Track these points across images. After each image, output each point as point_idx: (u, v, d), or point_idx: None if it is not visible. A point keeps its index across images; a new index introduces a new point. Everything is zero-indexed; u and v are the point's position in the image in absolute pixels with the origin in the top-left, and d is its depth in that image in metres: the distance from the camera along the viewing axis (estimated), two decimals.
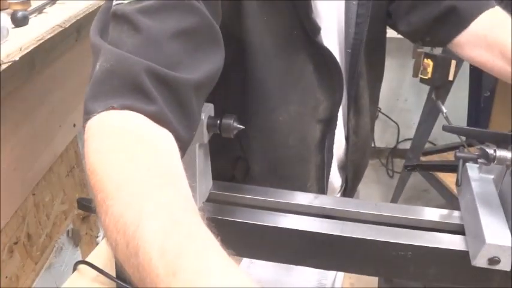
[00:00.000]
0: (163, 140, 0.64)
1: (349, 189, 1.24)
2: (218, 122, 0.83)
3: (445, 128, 0.93)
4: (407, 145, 3.35)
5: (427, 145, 3.15)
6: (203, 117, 0.81)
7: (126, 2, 0.72)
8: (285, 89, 1.02)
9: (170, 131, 0.65)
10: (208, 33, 0.76)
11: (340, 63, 1.04)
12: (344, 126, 1.14)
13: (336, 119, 1.09)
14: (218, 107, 0.89)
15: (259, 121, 1.03)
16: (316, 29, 0.97)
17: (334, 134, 1.10)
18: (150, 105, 0.64)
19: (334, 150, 1.13)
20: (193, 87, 0.70)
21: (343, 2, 1.04)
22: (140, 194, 0.54)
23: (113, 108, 0.63)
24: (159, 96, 0.65)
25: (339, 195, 1.23)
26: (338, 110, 1.08)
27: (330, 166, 1.13)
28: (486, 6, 1.05)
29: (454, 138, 2.90)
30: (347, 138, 1.15)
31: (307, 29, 0.97)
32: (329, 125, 1.08)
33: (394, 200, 3.04)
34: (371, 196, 3.33)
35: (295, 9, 0.95)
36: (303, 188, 1.09)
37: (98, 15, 0.77)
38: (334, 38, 1.05)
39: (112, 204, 0.54)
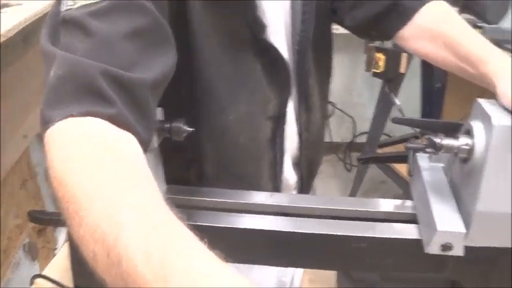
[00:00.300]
0: (127, 143, 0.63)
1: (304, 186, 1.24)
2: (168, 125, 0.83)
3: (394, 120, 0.95)
4: (363, 139, 3.39)
5: (383, 137, 3.20)
6: None
7: (75, 7, 0.71)
8: (234, 88, 1.02)
9: (131, 133, 0.65)
10: (159, 32, 0.76)
11: (288, 61, 1.04)
12: (296, 122, 1.15)
13: (285, 116, 1.09)
14: (168, 109, 0.88)
15: (210, 121, 1.03)
16: (262, 27, 0.97)
17: (284, 130, 1.10)
18: (109, 108, 0.63)
19: (287, 147, 1.13)
20: (149, 87, 0.70)
21: (289, 0, 1.05)
22: (114, 202, 0.53)
23: (72, 115, 0.62)
24: (117, 98, 0.65)
25: (294, 192, 1.23)
26: (287, 107, 1.09)
27: (283, 163, 1.13)
28: None
29: (409, 130, 2.95)
30: (300, 135, 1.16)
31: (253, 28, 0.97)
32: (279, 122, 1.09)
33: (352, 193, 3.07)
34: (330, 191, 3.36)
35: (240, 8, 0.96)
36: (258, 187, 1.09)
37: (47, 21, 0.76)
38: (282, 37, 1.06)
39: (86, 215, 0.53)
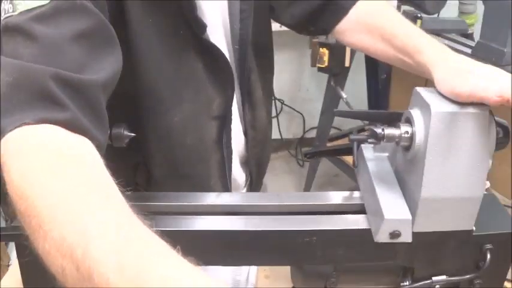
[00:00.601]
0: (82, 149, 0.63)
1: (254, 184, 1.25)
2: (108, 132, 0.81)
3: (336, 113, 0.96)
4: (313, 134, 3.41)
5: (333, 131, 3.23)
6: None
7: (16, 13, 0.69)
8: (177, 88, 1.02)
9: (87, 137, 0.64)
10: (105, 32, 0.76)
11: (229, 60, 1.05)
12: (241, 121, 1.15)
13: (231, 115, 1.10)
14: (111, 112, 0.87)
15: (155, 123, 1.02)
16: (202, 27, 0.97)
17: (230, 129, 1.10)
18: (62, 113, 0.62)
19: (234, 146, 1.13)
20: (101, 87, 0.70)
21: (226, 0, 1.05)
22: (78, 212, 0.53)
23: (26, 124, 0.60)
24: (70, 101, 0.64)
25: (244, 190, 1.24)
26: (231, 106, 1.09)
27: (231, 162, 1.13)
28: None
29: (359, 122, 2.99)
30: (245, 133, 1.17)
31: (193, 27, 0.97)
32: (224, 121, 1.09)
33: (306, 188, 3.09)
34: (284, 187, 3.37)
35: (179, 8, 0.95)
36: (207, 187, 1.09)
37: None
38: (221, 35, 1.06)
39: (50, 229, 0.52)
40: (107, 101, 0.76)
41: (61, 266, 0.50)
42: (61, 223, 0.52)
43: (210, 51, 1.01)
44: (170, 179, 1.08)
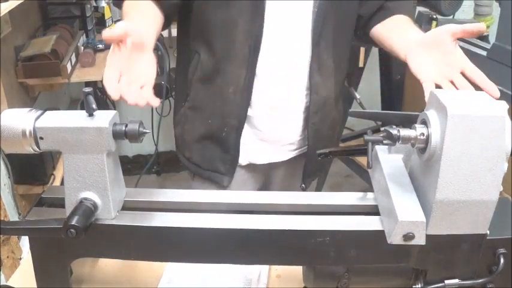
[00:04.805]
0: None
1: (309, 156, 1.49)
2: (124, 128, 0.82)
3: (350, 114, 0.95)
4: None
5: (346, 131, 3.22)
6: (108, 126, 0.80)
7: None
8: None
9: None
10: None
11: (307, 19, 1.33)
12: (307, 83, 1.37)
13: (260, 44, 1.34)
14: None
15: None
16: None
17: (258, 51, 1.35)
18: None
19: (294, 107, 1.40)
20: None
21: None
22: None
23: None
24: None
25: (295, 152, 1.51)
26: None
27: (252, 86, 1.37)
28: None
29: (372, 123, 2.97)
30: (310, 97, 1.38)
31: None
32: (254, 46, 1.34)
33: (318, 188, 3.09)
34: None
35: None
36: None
37: None
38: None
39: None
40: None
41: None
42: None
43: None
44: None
